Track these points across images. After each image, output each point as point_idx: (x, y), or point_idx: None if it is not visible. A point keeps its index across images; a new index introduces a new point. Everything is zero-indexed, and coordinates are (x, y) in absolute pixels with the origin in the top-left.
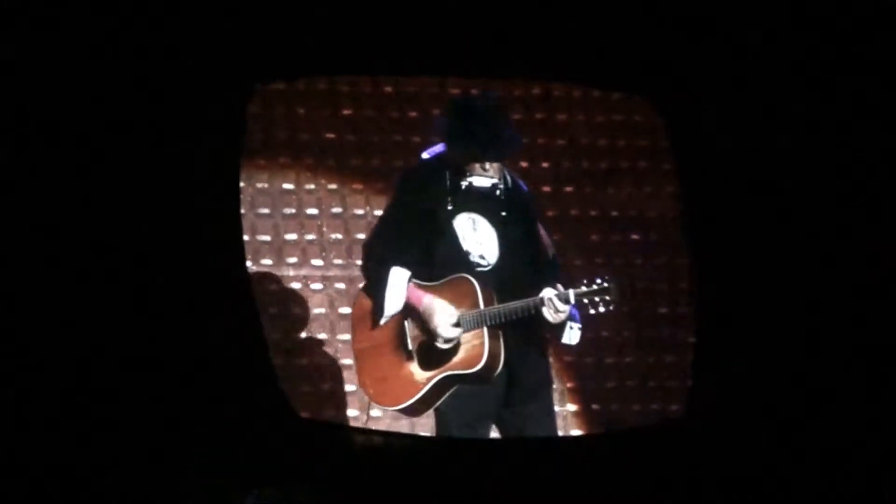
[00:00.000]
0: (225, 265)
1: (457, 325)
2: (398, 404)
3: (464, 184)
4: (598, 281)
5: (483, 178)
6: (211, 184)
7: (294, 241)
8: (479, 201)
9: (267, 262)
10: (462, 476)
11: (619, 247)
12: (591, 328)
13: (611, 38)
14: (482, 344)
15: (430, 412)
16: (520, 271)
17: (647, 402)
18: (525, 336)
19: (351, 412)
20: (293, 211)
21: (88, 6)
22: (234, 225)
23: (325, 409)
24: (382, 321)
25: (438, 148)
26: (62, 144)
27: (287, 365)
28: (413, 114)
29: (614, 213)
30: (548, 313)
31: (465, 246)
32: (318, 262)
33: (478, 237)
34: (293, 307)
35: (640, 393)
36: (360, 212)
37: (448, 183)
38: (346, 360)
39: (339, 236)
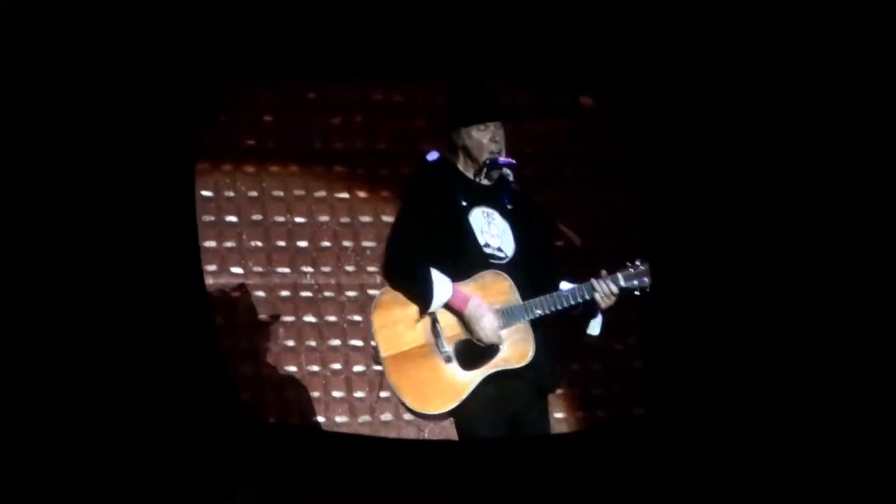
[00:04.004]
0: (180, 273)
1: (502, 327)
2: (441, 409)
3: (472, 179)
4: (637, 263)
5: (491, 171)
6: (165, 193)
7: (234, 248)
8: (489, 196)
9: (211, 268)
10: (428, 477)
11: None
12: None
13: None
14: (529, 337)
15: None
16: (536, 263)
17: (611, 408)
18: (547, 330)
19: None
20: (235, 219)
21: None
22: (190, 233)
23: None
24: (420, 320)
25: (435, 154)
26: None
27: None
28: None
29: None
30: (600, 298)
31: (483, 240)
32: (259, 268)
33: (494, 230)
34: (238, 315)
35: (606, 399)
36: (302, 220)
37: (457, 180)
38: (290, 368)
39: (282, 243)
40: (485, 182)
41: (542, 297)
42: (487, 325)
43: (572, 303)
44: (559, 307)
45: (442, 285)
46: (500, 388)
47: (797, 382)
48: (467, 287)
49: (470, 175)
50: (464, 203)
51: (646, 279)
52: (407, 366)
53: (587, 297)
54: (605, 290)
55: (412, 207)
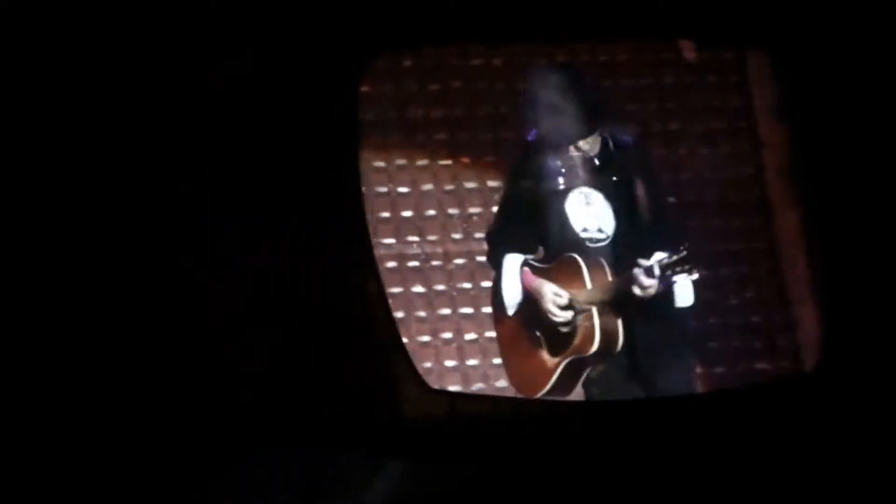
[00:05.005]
0: (348, 244)
1: (568, 307)
2: (536, 393)
3: (568, 160)
4: (680, 249)
5: (585, 150)
6: (330, 163)
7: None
8: (588, 173)
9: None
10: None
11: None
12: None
13: None
14: (593, 325)
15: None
16: (637, 238)
17: (753, 362)
18: (643, 306)
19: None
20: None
21: None
22: (356, 204)
23: None
24: (510, 312)
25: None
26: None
27: None
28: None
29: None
30: (637, 290)
31: (581, 223)
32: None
33: (592, 211)
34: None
35: (747, 353)
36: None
37: (554, 162)
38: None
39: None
40: (584, 156)
41: (592, 292)
42: (547, 304)
43: (615, 296)
44: (606, 300)
45: (511, 284)
46: (592, 375)
47: None
48: (545, 272)
49: (571, 152)
50: (561, 186)
51: (687, 265)
52: (511, 348)
53: (624, 289)
54: (641, 282)
55: (508, 194)
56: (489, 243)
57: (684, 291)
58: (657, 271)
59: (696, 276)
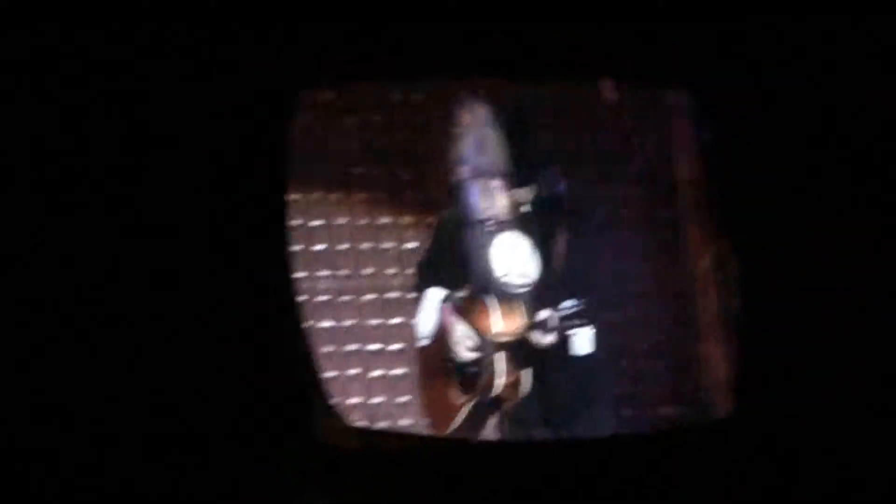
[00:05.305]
0: (272, 279)
1: (476, 349)
2: (446, 429)
3: (499, 203)
4: (576, 302)
5: (516, 198)
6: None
7: None
8: (517, 220)
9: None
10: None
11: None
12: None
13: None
14: (496, 369)
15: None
16: (554, 288)
17: (657, 406)
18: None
19: None
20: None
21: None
22: (281, 239)
23: None
24: (423, 342)
25: None
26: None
27: None
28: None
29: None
30: (534, 341)
31: (503, 266)
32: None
33: (516, 256)
34: None
35: (652, 397)
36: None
37: (483, 203)
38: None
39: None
40: (517, 200)
41: (502, 332)
42: (455, 342)
43: (519, 343)
44: (512, 346)
45: (427, 316)
46: (507, 411)
47: None
48: (459, 310)
49: (502, 196)
50: (491, 227)
51: (584, 318)
52: (426, 381)
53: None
54: (537, 335)
55: (438, 229)
56: (418, 275)
57: (581, 341)
58: (554, 323)
59: (592, 329)
